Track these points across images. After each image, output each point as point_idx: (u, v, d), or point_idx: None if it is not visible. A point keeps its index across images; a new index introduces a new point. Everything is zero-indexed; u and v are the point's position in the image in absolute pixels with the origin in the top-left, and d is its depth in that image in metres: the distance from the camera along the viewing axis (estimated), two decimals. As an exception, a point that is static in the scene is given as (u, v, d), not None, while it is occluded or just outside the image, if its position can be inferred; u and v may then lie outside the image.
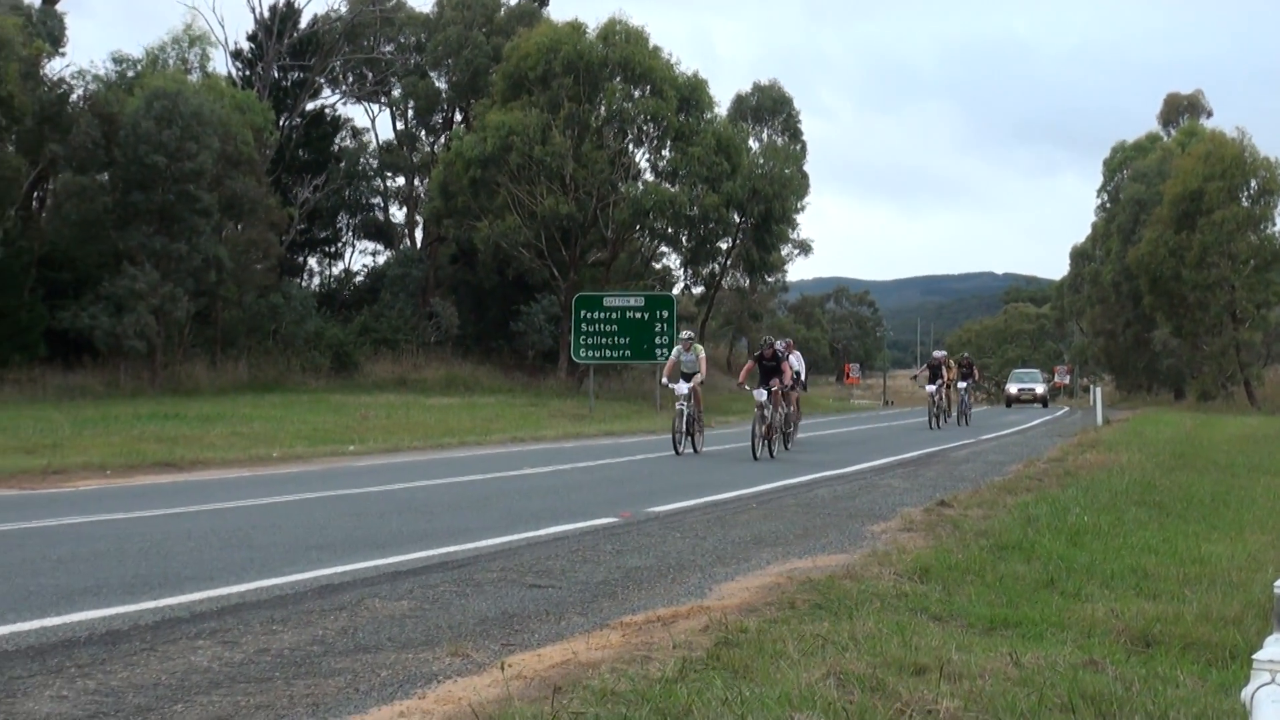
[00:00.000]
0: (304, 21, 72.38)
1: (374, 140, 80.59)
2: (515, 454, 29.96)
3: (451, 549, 13.58)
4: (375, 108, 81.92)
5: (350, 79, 76.31)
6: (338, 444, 30.59)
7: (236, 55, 71.91)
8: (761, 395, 28.83)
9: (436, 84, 76.11)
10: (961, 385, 48.24)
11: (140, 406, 42.56)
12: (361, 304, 72.91)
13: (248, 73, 70.82)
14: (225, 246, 56.33)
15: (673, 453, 29.07)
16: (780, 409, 30.14)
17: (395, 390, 58.32)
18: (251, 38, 71.33)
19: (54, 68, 58.70)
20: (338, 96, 77.04)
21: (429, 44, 74.11)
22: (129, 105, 53.59)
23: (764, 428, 28.89)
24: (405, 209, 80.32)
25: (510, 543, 14.23)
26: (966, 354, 50.37)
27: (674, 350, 30.60)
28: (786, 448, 31.82)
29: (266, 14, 70.31)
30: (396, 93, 77.18)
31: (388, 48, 76.05)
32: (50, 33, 57.43)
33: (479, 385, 62.36)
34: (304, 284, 73.08)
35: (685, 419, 29.25)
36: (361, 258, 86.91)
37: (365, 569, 12.15)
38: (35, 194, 58.01)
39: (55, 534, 14.55)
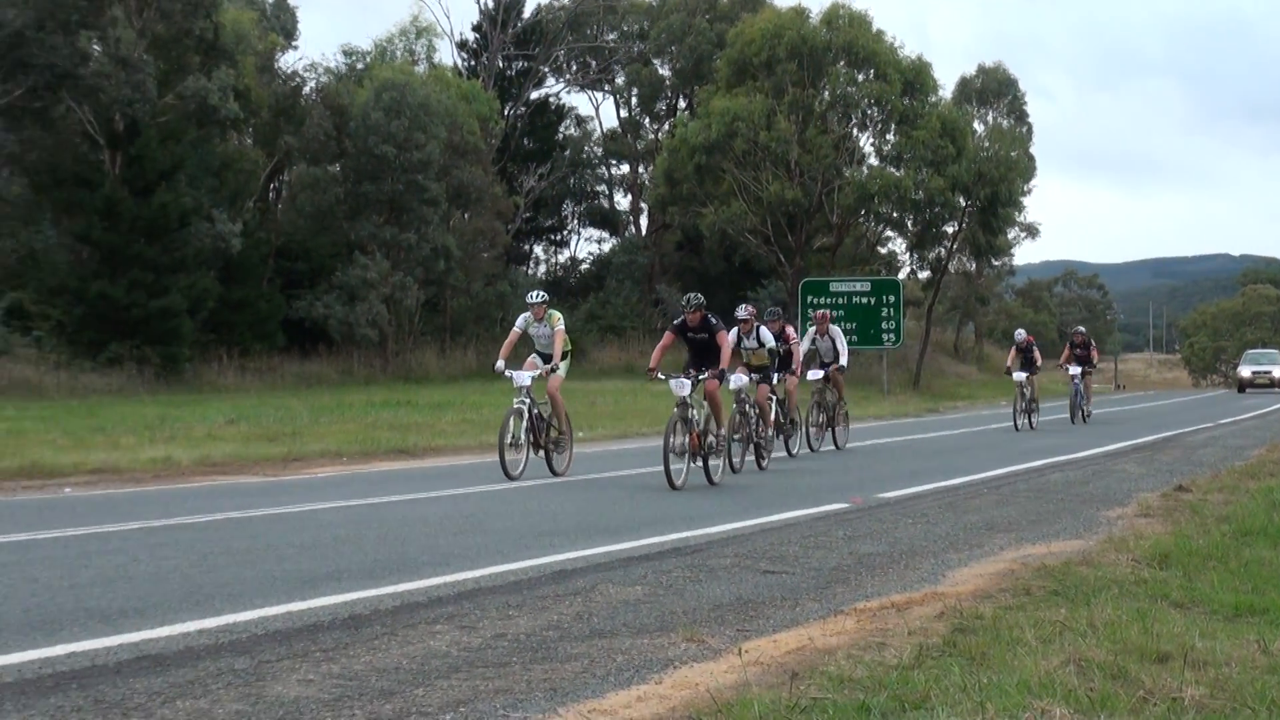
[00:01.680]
0: (527, 11, 73.19)
1: (598, 128, 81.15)
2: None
3: (684, 535, 13.60)
4: (599, 96, 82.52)
5: (574, 68, 76.89)
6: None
7: (462, 46, 72.97)
8: (682, 388, 18.71)
9: (660, 71, 76.34)
10: (1074, 372, 38.68)
11: (373, 394, 43.39)
12: (587, 291, 73.45)
13: (473, 63, 71.77)
14: (453, 235, 57.18)
15: (911, 437, 28.63)
16: (754, 410, 22.63)
17: (622, 376, 58.57)
18: (476, 28, 72.31)
19: (287, 61, 60.32)
20: (561, 85, 77.75)
21: (652, 31, 74.33)
22: (359, 97, 54.64)
23: (686, 438, 18.78)
24: (630, 196, 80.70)
25: (742, 528, 14.22)
26: (1082, 329, 41.64)
27: (519, 320, 21.10)
28: (794, 451, 25.44)
29: (491, 4, 71.14)
30: (620, 80, 77.58)
31: (611, 36, 76.43)
32: (283, 26, 58.78)
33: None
34: (530, 272, 73.88)
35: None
36: (587, 245, 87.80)
37: (598, 554, 12.21)
38: (271, 186, 59.46)
39: (297, 520, 14.86)
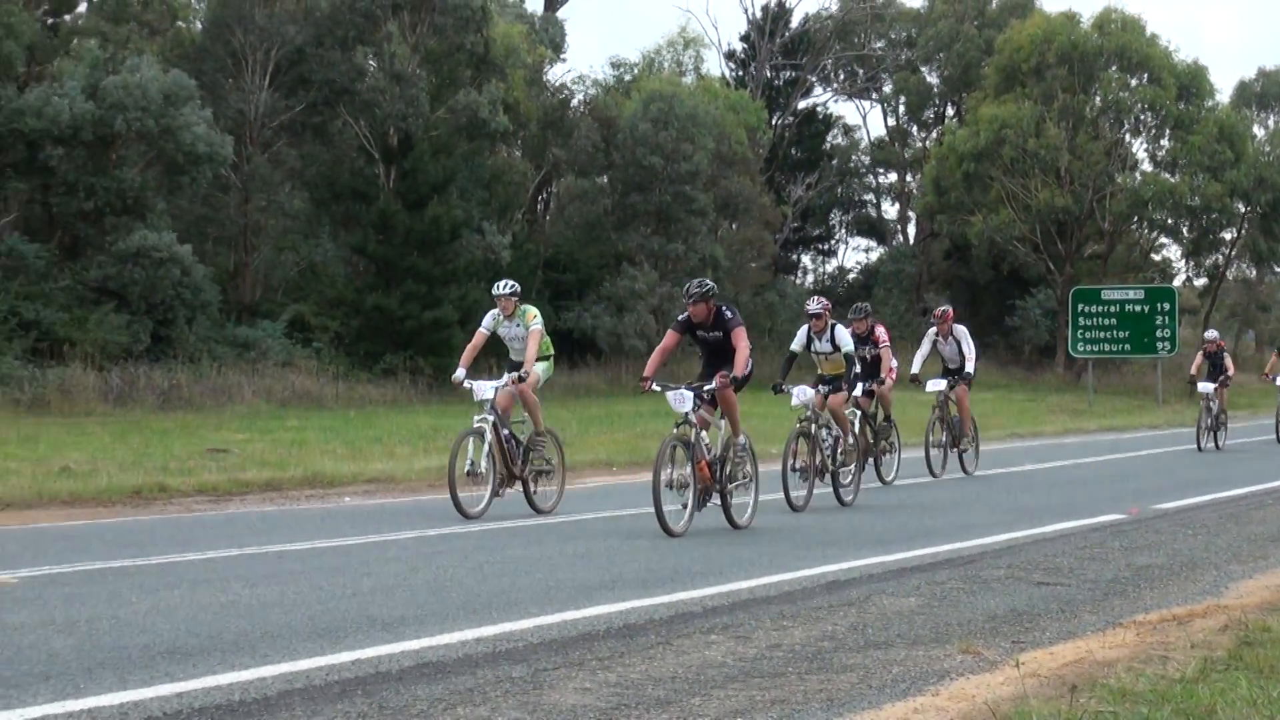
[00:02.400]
0: (795, 20, 72.99)
1: (865, 137, 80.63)
2: (1016, 449, 29.49)
3: (956, 546, 13.44)
4: (866, 104, 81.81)
5: (841, 76, 76.52)
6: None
7: (729, 56, 73.05)
8: (682, 403, 14.81)
9: (927, 79, 75.59)
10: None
11: (642, 404, 43.63)
12: (855, 301, 73.01)
13: (740, 73, 71.83)
14: (721, 246, 57.27)
15: (1194, 448, 27.84)
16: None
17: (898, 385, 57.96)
18: (744, 38, 72.33)
19: (555, 74, 60.97)
20: (829, 94, 77.38)
21: (919, 39, 73.61)
22: (626, 108, 55.03)
23: (691, 468, 14.57)
24: (897, 205, 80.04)
25: (1014, 539, 14.01)
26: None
27: (485, 319, 17.63)
28: (888, 479, 21.28)
29: (759, 14, 71.18)
30: (887, 89, 76.97)
31: (878, 44, 75.90)
32: (551, 39, 59.50)
33: (976, 380, 61.55)
34: (798, 281, 73.72)
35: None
36: (854, 254, 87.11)
37: (871, 565, 12.12)
38: (539, 198, 60.25)
39: (570, 530, 15.02)
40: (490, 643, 8.60)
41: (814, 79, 74.05)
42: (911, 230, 77.94)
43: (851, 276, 78.33)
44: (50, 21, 50.33)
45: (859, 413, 20.12)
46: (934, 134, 75.95)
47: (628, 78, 60.08)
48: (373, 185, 48.44)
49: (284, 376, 42.15)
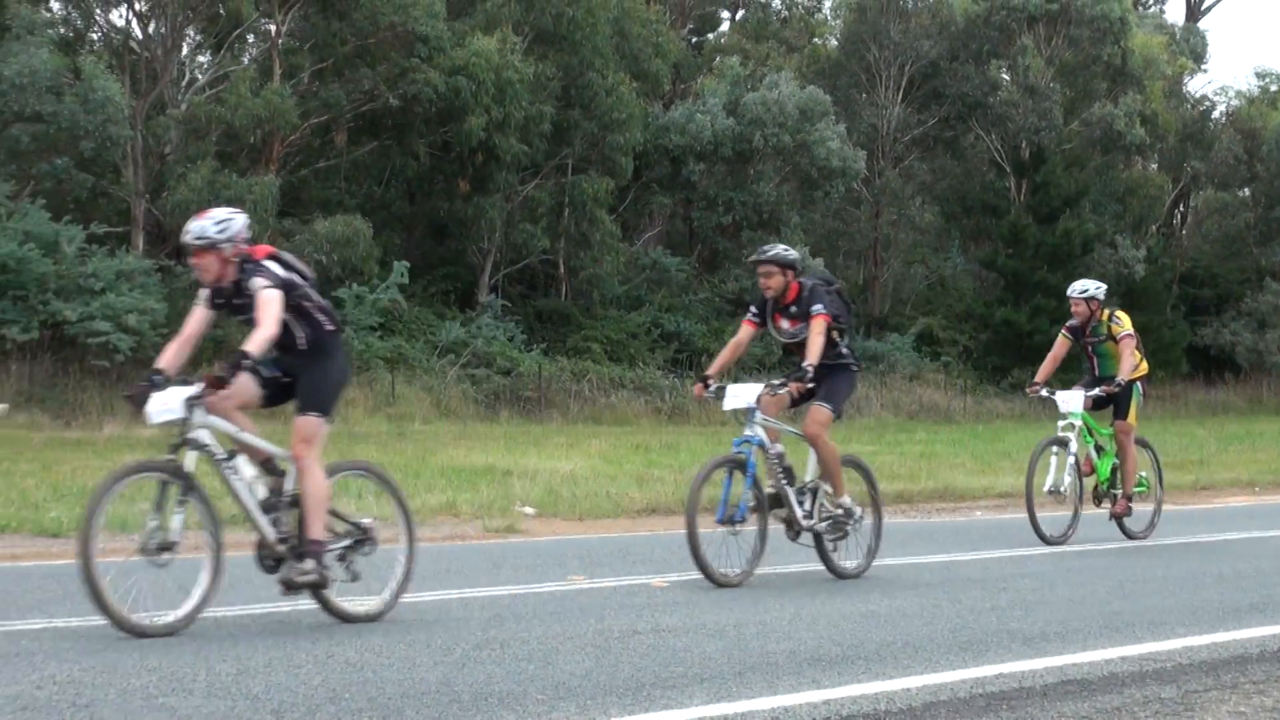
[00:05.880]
0: None
1: None
2: None
3: None
4: None
5: None
6: None
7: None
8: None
9: None
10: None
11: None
12: None
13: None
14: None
15: None
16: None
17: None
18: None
19: (1195, 85, 59.20)
20: None
21: None
22: (1272, 119, 52.93)
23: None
24: None
25: None
26: None
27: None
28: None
29: None
30: None
31: None
32: (1193, 49, 57.77)
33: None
34: None
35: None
36: None
37: None
38: (1176, 211, 58.56)
39: (1212, 550, 14.52)
40: (1135, 662, 8.38)
41: None
42: None
43: None
44: (694, 40, 52.43)
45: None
46: None
47: (1274, 88, 57.61)
48: (1003, 199, 48.34)
49: (911, 390, 42.49)
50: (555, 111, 39.26)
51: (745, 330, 12.15)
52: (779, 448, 11.47)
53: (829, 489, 11.73)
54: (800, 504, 11.55)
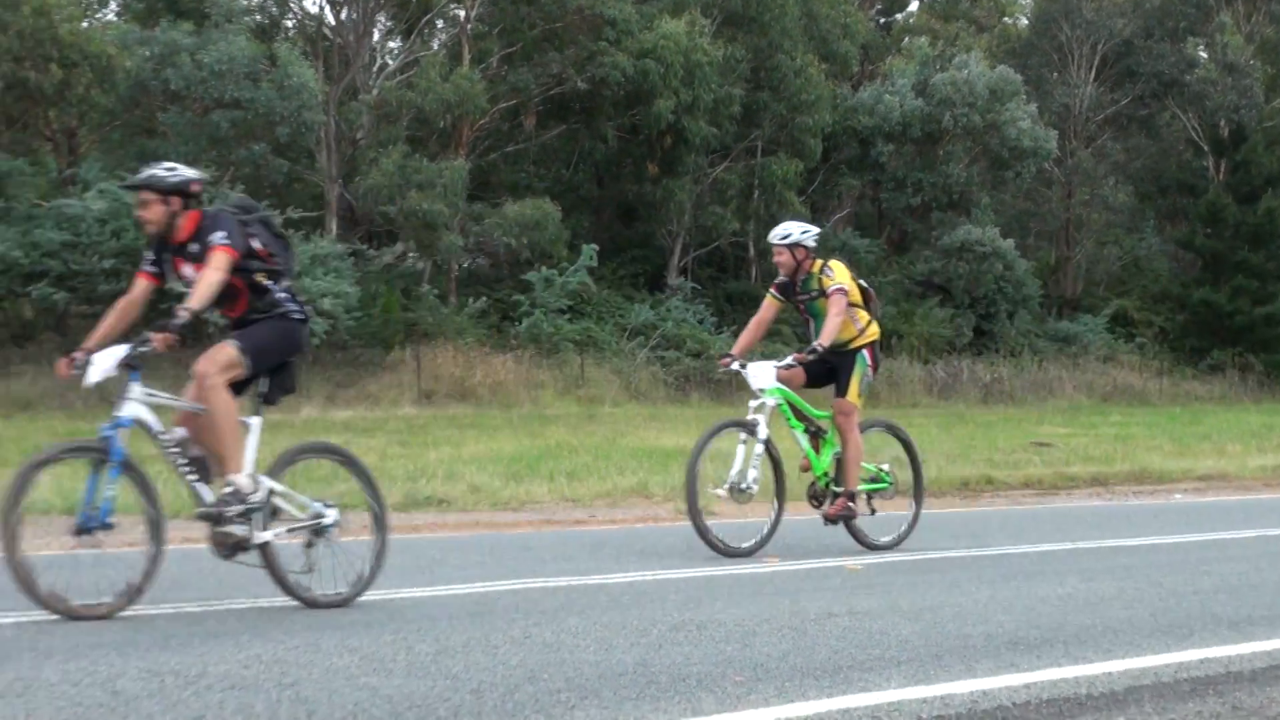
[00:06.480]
0: None
1: None
2: None
3: None
4: None
5: None
6: None
7: None
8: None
9: None
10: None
11: None
12: None
13: None
14: None
15: None
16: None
17: None
18: None
19: None
20: None
21: None
22: None
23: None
24: None
25: None
26: None
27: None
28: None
29: None
30: None
31: None
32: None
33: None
34: None
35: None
36: None
37: None
38: None
39: None
40: (1352, 648, 8.17)
41: None
42: None
43: None
44: (883, 21, 52.09)
45: None
46: None
47: None
48: (1201, 178, 47.47)
49: (1105, 371, 41.91)
50: (744, 93, 39.27)
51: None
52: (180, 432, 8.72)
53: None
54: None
